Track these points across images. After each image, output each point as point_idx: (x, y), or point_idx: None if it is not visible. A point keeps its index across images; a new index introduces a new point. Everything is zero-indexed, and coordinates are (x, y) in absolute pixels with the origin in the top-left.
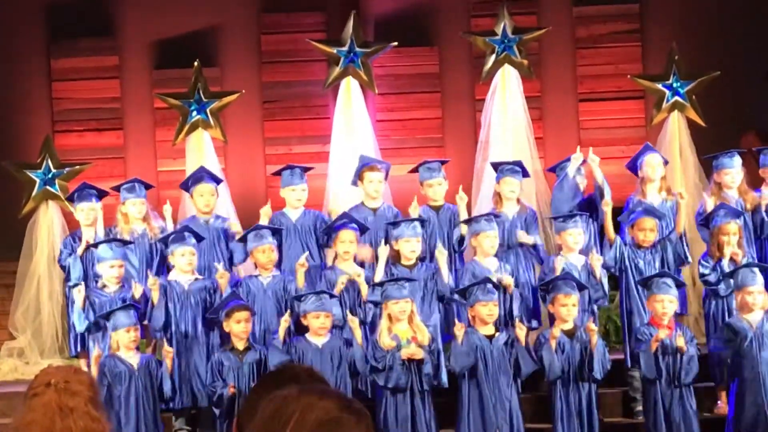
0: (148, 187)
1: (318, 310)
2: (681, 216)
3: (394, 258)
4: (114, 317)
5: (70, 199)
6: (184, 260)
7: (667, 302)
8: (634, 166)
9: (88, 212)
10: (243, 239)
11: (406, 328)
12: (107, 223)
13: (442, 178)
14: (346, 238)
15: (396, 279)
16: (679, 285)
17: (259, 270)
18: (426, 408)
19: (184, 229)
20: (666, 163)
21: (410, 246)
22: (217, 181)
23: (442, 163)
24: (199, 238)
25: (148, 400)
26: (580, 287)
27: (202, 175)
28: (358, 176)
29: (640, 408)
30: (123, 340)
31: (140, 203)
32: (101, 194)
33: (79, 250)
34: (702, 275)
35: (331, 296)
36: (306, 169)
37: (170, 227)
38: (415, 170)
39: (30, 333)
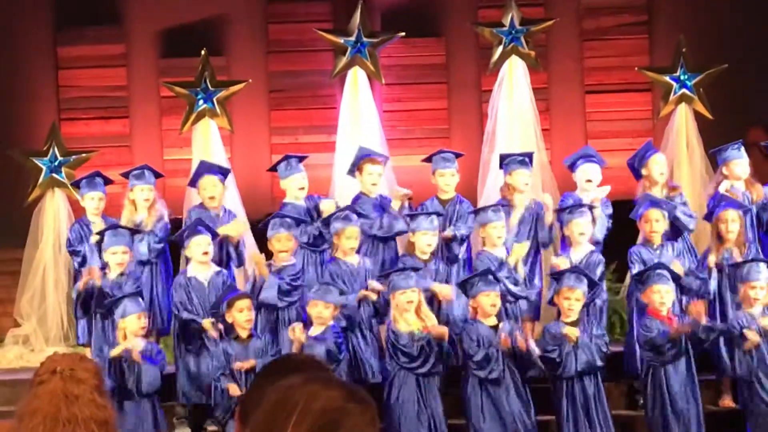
0: (158, 175)
1: (317, 299)
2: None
3: (409, 250)
4: (122, 304)
5: (76, 185)
6: (199, 250)
7: (664, 293)
8: (633, 164)
9: (98, 202)
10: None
11: (414, 319)
12: (113, 212)
13: (455, 170)
14: (353, 234)
15: (402, 269)
16: (676, 278)
17: (275, 259)
18: (434, 389)
19: (198, 222)
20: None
21: (427, 239)
22: (223, 172)
23: (457, 156)
24: (214, 233)
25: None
26: (590, 282)
27: (202, 170)
28: (357, 167)
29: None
30: (132, 327)
31: (148, 190)
32: (108, 183)
33: (93, 240)
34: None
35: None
36: (301, 158)
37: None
38: (428, 159)
39: (35, 320)
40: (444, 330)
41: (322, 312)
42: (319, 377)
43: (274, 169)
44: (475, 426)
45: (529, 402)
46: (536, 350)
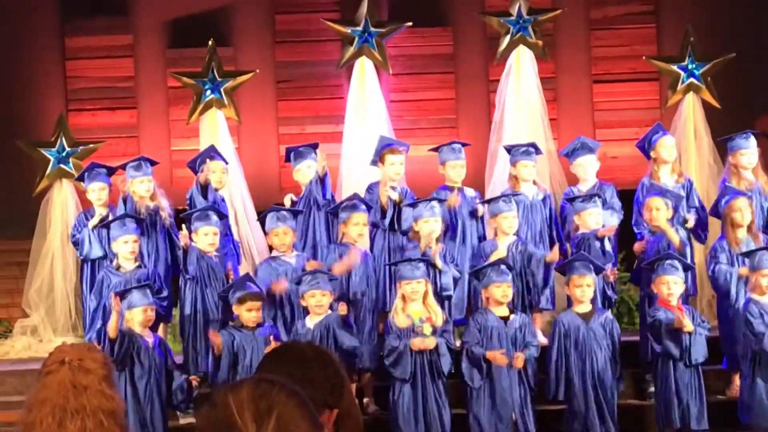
0: (153, 163)
1: (313, 289)
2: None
3: (413, 238)
4: (130, 296)
5: (80, 179)
6: (207, 240)
7: (672, 284)
8: (643, 147)
9: (100, 192)
10: (262, 220)
11: (420, 309)
12: (114, 202)
13: (464, 162)
14: (360, 220)
15: (409, 259)
16: (686, 267)
17: (278, 252)
18: (438, 394)
19: (209, 208)
20: None
21: (429, 226)
22: (225, 161)
23: (464, 145)
24: (222, 216)
25: (161, 377)
26: (597, 269)
27: (213, 153)
28: (379, 157)
29: (652, 389)
30: (138, 319)
31: (147, 180)
32: (111, 172)
33: (91, 223)
34: (714, 263)
35: (330, 278)
36: (314, 146)
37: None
38: (435, 150)
39: (43, 311)
40: (428, 343)
41: (321, 300)
42: (226, 386)
43: (288, 160)
44: (474, 413)
45: (527, 393)
46: (544, 340)
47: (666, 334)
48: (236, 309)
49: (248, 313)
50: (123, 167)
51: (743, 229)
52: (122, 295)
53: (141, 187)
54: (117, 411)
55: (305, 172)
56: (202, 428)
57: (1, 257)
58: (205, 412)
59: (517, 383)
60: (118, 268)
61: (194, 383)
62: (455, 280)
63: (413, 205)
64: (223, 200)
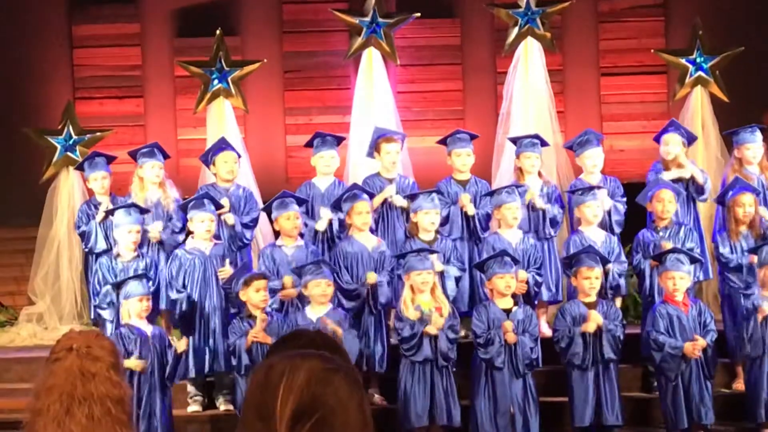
0: (166, 156)
1: (318, 278)
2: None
3: (413, 231)
4: (126, 285)
5: (80, 168)
6: (203, 227)
7: (678, 279)
8: (658, 140)
9: (102, 181)
10: (267, 208)
11: (428, 300)
12: (121, 191)
13: (471, 150)
14: (363, 209)
15: (418, 250)
16: (694, 261)
17: (283, 239)
18: (447, 380)
19: (203, 195)
20: (690, 142)
21: (429, 218)
22: (239, 153)
23: (472, 137)
24: (218, 206)
25: (162, 368)
26: (604, 261)
27: (224, 145)
28: (374, 148)
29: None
30: (134, 309)
31: (158, 167)
32: (110, 160)
33: (98, 218)
34: (720, 254)
35: (332, 269)
36: (339, 140)
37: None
38: (442, 141)
39: (49, 298)
40: (436, 322)
41: (326, 290)
42: (296, 353)
43: (310, 144)
44: (474, 403)
45: (528, 386)
46: (548, 333)
47: (673, 364)
48: (243, 294)
49: (257, 294)
50: (134, 154)
51: (744, 224)
52: (119, 284)
53: (151, 172)
54: (125, 398)
55: (329, 161)
56: (249, 386)
57: (7, 245)
58: (259, 373)
59: (516, 377)
60: (117, 256)
61: (183, 346)
62: (457, 280)
63: (413, 196)
64: (251, 194)
